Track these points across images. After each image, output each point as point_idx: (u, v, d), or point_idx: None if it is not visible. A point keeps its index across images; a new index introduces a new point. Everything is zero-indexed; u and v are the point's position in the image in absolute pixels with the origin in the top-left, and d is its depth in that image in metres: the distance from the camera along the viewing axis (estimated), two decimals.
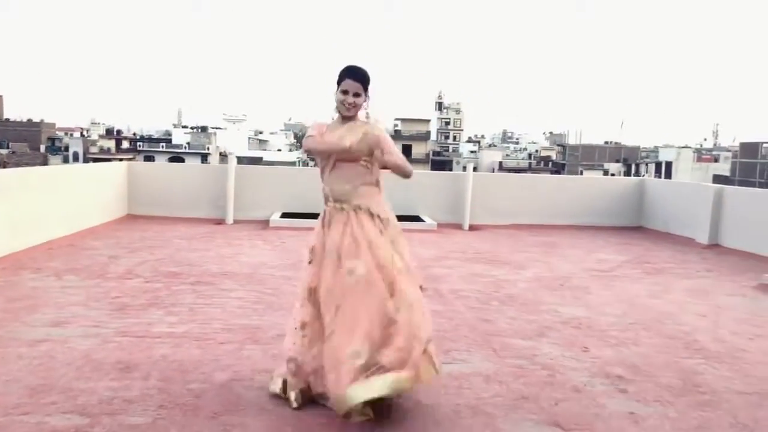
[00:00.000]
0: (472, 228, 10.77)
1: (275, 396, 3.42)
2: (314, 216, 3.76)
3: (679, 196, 10.87)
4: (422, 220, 10.69)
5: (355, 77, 3.43)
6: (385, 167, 3.46)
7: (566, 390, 3.66)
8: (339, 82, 3.45)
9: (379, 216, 3.44)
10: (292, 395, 3.34)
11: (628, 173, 71.34)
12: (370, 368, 3.05)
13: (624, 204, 11.65)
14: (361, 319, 3.14)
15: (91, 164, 12.44)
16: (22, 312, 4.85)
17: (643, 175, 63.62)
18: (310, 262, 3.43)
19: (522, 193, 11.61)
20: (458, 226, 10.79)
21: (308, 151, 3.54)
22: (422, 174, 12.71)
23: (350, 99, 3.42)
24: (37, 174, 8.77)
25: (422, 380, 3.26)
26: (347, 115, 3.47)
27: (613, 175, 61.81)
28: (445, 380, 3.73)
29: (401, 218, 9.38)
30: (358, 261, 3.25)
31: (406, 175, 3.51)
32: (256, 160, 53.25)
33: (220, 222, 10.36)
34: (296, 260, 7.30)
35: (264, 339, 4.39)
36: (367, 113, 3.60)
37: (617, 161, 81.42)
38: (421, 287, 3.53)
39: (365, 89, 3.47)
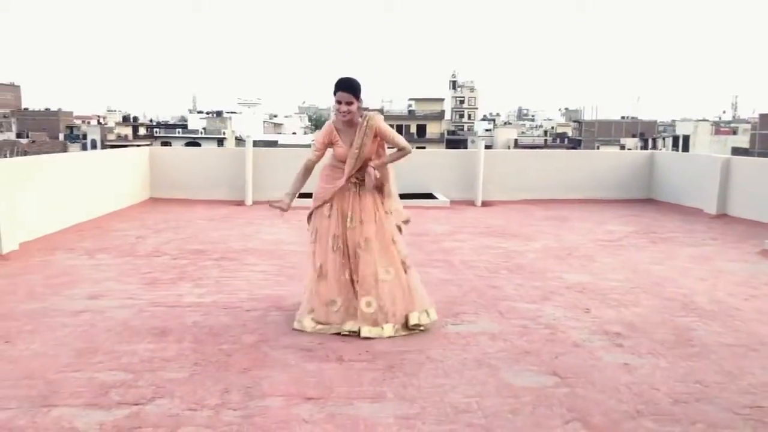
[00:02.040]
0: (484, 204, 11.03)
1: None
2: None
3: (688, 168, 11.05)
4: (435, 198, 10.97)
5: (344, 89, 4.10)
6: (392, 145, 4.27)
7: (566, 345, 3.96)
8: (334, 93, 4.11)
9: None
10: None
11: (645, 147, 70.83)
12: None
13: (634, 177, 11.84)
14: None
15: (114, 150, 12.81)
16: (61, 287, 5.23)
17: (661, 149, 63.28)
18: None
19: (533, 169, 11.84)
20: (471, 203, 11.06)
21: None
22: (434, 152, 12.97)
23: (344, 108, 4.10)
24: (62, 160, 9.16)
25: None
26: (344, 120, 4.17)
27: (629, 149, 61.52)
28: (454, 338, 4.05)
29: (415, 196, 10.06)
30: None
31: (406, 152, 4.27)
32: (272, 144, 53.64)
33: (240, 203, 10.71)
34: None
35: (287, 306, 4.72)
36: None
37: (634, 136, 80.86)
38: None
39: (356, 96, 4.11)
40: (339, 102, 4.10)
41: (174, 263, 6.19)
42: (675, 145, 68.88)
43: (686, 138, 70.10)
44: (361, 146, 4.15)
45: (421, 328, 4.17)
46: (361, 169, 4.25)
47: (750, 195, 9.36)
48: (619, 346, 3.96)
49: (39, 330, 4.15)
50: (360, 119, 4.19)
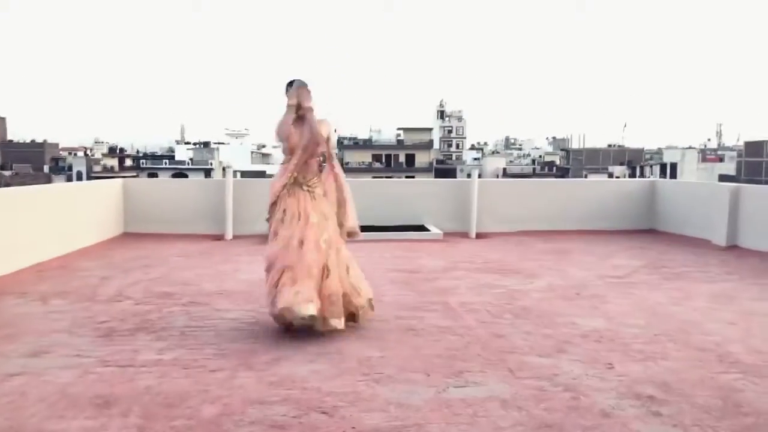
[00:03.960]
0: (479, 236, 10.40)
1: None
2: None
3: (692, 197, 10.49)
4: (427, 230, 10.33)
5: (303, 85, 4.86)
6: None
7: (593, 415, 3.28)
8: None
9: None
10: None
11: (632, 176, 70.91)
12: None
13: (635, 207, 11.27)
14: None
15: (85, 182, 12.16)
16: (0, 342, 4.51)
17: (649, 177, 63.20)
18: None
19: (529, 199, 11.25)
20: (465, 235, 10.43)
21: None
22: (426, 182, 12.37)
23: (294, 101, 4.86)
24: (26, 193, 8.45)
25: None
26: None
27: (617, 177, 61.34)
28: (458, 407, 3.36)
29: (406, 228, 9.55)
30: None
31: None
32: (259, 174, 53.06)
33: (219, 237, 10.02)
34: None
35: (258, 365, 4.03)
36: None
37: (621, 164, 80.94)
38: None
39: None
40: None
41: (136, 309, 5.48)
42: (663, 173, 68.88)
43: (674, 166, 70.18)
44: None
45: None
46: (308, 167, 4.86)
47: (762, 225, 8.78)
48: (656, 416, 3.29)
49: None
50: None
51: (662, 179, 14.83)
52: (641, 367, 4.01)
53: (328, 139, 4.90)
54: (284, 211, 4.75)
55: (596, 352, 4.32)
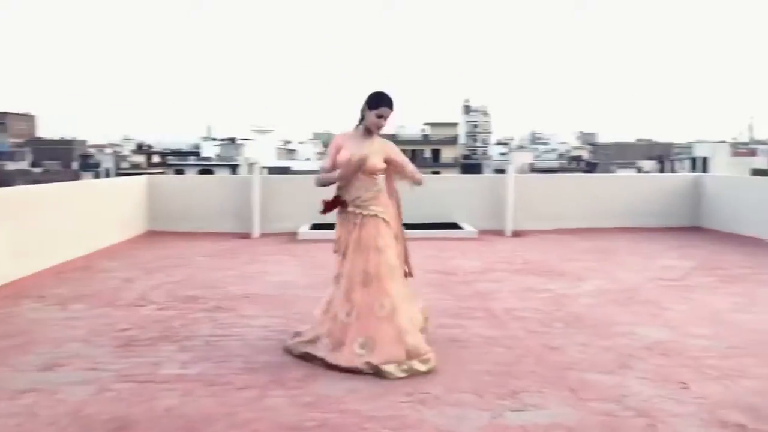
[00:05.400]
0: (515, 234, 9.94)
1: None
2: None
3: (743, 193, 9.90)
4: (460, 228, 9.88)
5: (390, 106, 4.09)
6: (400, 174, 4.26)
7: None
8: (375, 105, 4.06)
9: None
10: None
11: (662, 170, 69.47)
12: None
13: (678, 203, 10.72)
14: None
15: (108, 179, 11.94)
16: (12, 352, 4.19)
17: (679, 171, 61.84)
18: None
19: (567, 195, 10.75)
20: (500, 233, 9.97)
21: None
22: (457, 178, 11.94)
23: (383, 122, 4.10)
24: (46, 191, 8.17)
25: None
26: (375, 132, 4.13)
27: (647, 172, 60.12)
28: None
29: (437, 226, 9.12)
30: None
31: (417, 182, 4.31)
32: (284, 170, 52.88)
33: (245, 236, 9.70)
34: (326, 277, 6.56)
35: (290, 381, 3.65)
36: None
37: (650, 158, 79.36)
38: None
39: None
40: (381, 116, 4.07)
41: (158, 315, 5.14)
42: (693, 167, 67.30)
43: (704, 160, 68.63)
44: (369, 153, 4.04)
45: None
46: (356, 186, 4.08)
47: None
48: None
49: None
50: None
51: (709, 174, 14.16)
52: (720, 387, 3.54)
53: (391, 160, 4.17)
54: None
55: (665, 368, 3.87)
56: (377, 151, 4.08)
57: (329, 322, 4.01)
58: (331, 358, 3.86)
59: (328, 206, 4.11)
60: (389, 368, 3.71)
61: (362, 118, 4.14)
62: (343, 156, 4.02)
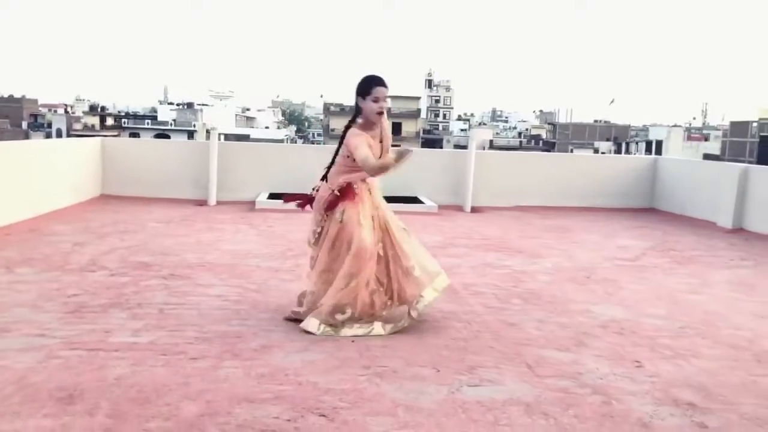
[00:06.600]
0: (474, 210, 9.98)
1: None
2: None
3: (697, 177, 10.09)
4: (422, 202, 9.87)
5: (383, 84, 3.98)
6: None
7: (632, 426, 2.87)
8: (368, 91, 3.94)
9: None
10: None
11: (618, 152, 70.72)
12: None
13: (636, 184, 10.88)
14: None
15: (61, 140, 11.53)
16: None
17: (634, 153, 63.05)
18: None
19: (527, 173, 10.82)
20: (459, 208, 10.00)
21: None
22: (421, 152, 11.82)
23: (383, 105, 3.98)
24: None
25: None
26: (379, 116, 4.03)
27: (603, 153, 61.11)
28: (475, 411, 2.94)
29: (399, 199, 9.07)
30: None
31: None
32: (244, 137, 52.09)
33: (201, 203, 9.51)
34: (285, 248, 6.49)
35: (245, 352, 3.58)
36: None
37: (607, 140, 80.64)
38: None
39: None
40: (377, 99, 3.96)
41: (110, 281, 4.99)
42: (648, 150, 68.71)
43: (659, 143, 70.00)
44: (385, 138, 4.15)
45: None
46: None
47: None
48: (702, 427, 2.89)
49: None
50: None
51: (666, 157, 14.41)
52: (673, 367, 3.60)
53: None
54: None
55: (620, 346, 3.92)
56: (389, 137, 4.24)
57: (349, 295, 3.97)
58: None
59: (304, 202, 4.32)
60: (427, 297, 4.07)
61: (358, 112, 4.02)
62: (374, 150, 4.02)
